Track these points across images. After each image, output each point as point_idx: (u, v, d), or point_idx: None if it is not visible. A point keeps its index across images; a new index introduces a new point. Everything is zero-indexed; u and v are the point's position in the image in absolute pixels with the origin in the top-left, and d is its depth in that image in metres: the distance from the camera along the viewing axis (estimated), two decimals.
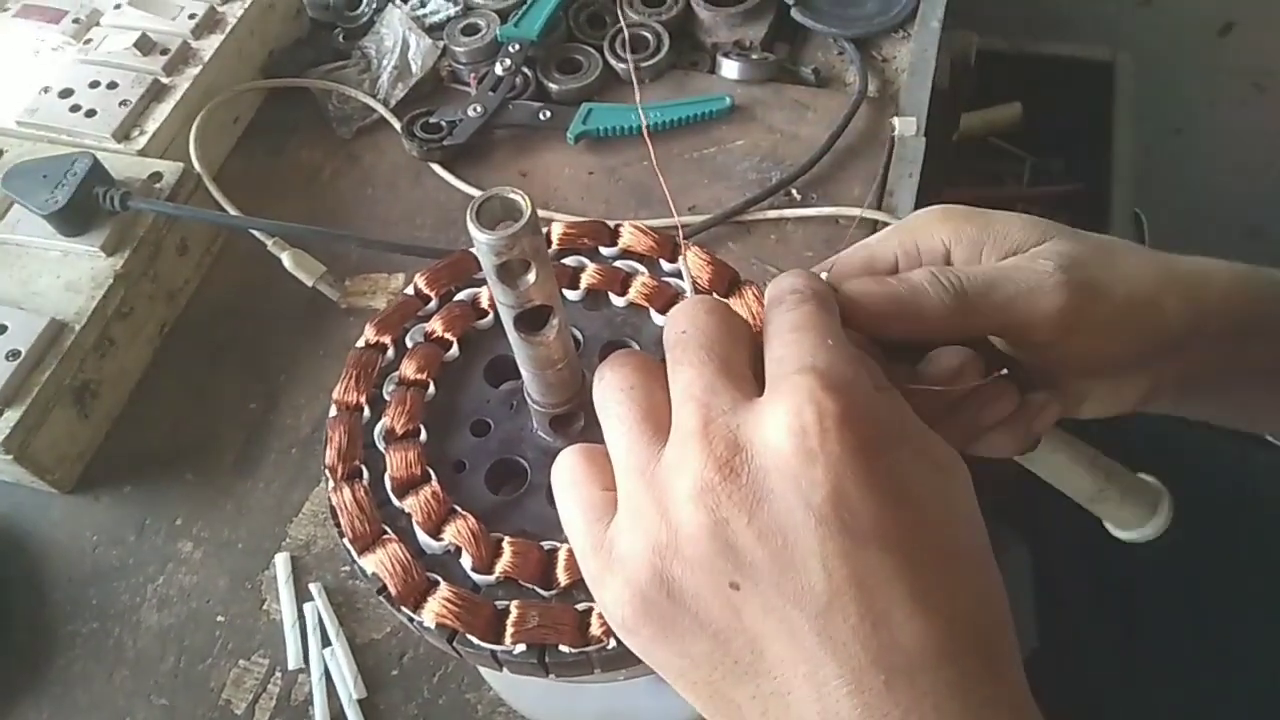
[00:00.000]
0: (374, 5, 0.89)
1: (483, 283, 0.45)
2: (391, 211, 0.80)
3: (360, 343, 0.44)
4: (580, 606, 0.37)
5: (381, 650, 0.61)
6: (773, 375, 0.32)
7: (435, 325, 0.44)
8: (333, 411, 0.42)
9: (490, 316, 0.45)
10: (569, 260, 0.46)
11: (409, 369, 0.43)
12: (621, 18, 0.86)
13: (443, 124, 0.81)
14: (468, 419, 0.42)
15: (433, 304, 0.45)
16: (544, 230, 0.46)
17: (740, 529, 0.29)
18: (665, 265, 0.46)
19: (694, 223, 0.75)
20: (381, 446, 0.41)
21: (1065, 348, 0.40)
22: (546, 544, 0.38)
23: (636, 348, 0.43)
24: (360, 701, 0.59)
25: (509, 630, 0.36)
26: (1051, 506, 0.55)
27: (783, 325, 0.33)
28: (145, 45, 0.78)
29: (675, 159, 0.81)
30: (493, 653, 0.36)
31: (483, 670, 0.59)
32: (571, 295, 0.45)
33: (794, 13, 0.87)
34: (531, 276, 0.32)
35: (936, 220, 0.42)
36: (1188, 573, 0.71)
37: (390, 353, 0.44)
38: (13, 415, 0.62)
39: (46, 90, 0.77)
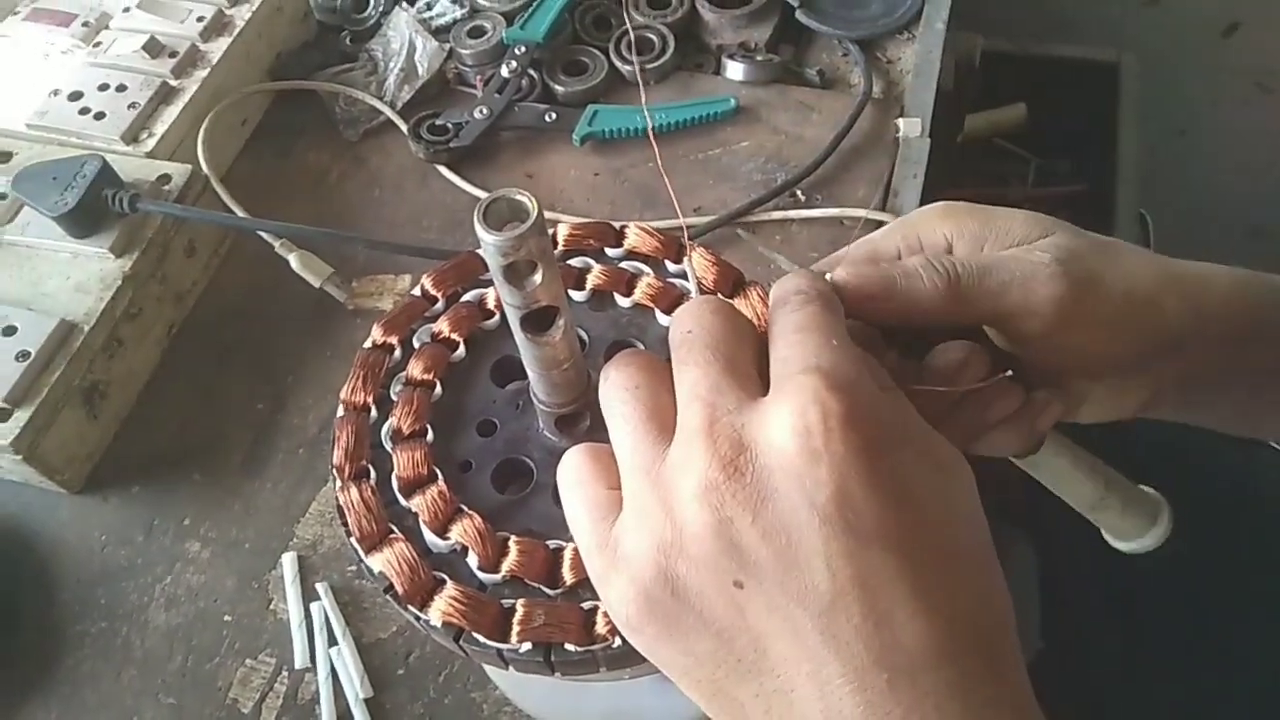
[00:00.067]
0: (381, 8, 0.89)
1: (489, 284, 0.46)
2: (398, 213, 0.81)
3: (367, 343, 0.44)
4: (586, 605, 0.37)
5: (388, 649, 0.61)
6: (777, 375, 0.32)
7: (442, 326, 0.44)
8: (340, 411, 0.42)
9: (497, 317, 0.45)
10: (575, 261, 0.46)
11: (416, 369, 0.43)
12: (627, 20, 0.86)
13: (449, 126, 0.82)
14: (474, 419, 0.42)
15: (439, 305, 0.45)
16: (550, 231, 0.46)
17: (744, 528, 0.29)
18: (670, 266, 0.46)
19: (699, 224, 0.75)
20: (388, 446, 0.41)
21: (1063, 343, 0.40)
22: (552, 543, 0.39)
23: (642, 348, 0.43)
24: (366, 700, 0.59)
25: (515, 629, 0.36)
26: (1055, 506, 0.55)
27: (787, 326, 0.33)
28: (154, 48, 0.79)
29: (680, 160, 0.81)
30: (499, 651, 0.37)
31: (488, 669, 0.59)
32: (577, 296, 0.45)
33: (799, 15, 0.87)
34: (538, 277, 0.33)
35: (939, 215, 0.42)
36: (1191, 574, 0.71)
37: (397, 353, 0.44)
38: (22, 416, 0.62)
39: (56, 93, 0.77)
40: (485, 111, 0.82)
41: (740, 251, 0.75)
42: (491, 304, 0.45)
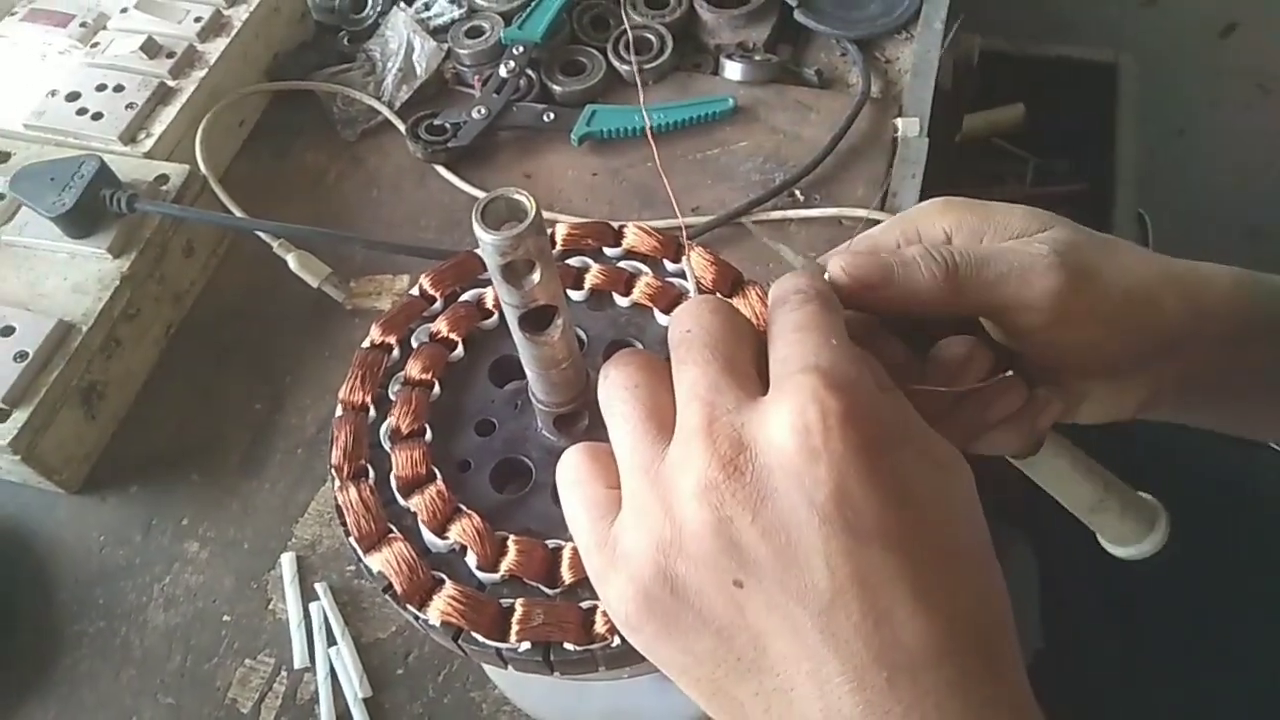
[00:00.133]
0: (378, 8, 0.89)
1: (487, 283, 0.46)
2: (396, 213, 0.81)
3: (366, 343, 0.44)
4: (585, 604, 0.37)
5: (387, 649, 0.61)
6: (776, 374, 0.32)
7: (440, 326, 0.44)
8: (338, 411, 0.42)
9: (495, 317, 0.45)
10: (573, 261, 0.46)
11: (414, 369, 0.43)
12: (625, 20, 0.86)
13: (447, 126, 0.82)
14: (473, 418, 0.42)
15: (438, 304, 0.45)
16: (548, 231, 0.46)
17: (744, 527, 0.29)
18: (669, 265, 0.46)
19: (698, 223, 0.75)
20: (387, 446, 0.41)
21: (1061, 339, 0.40)
22: (551, 542, 0.39)
23: (640, 347, 0.43)
24: (365, 700, 0.59)
25: (514, 628, 0.36)
26: (1054, 507, 0.55)
27: (786, 325, 0.33)
28: (151, 48, 0.79)
29: (678, 160, 0.81)
30: (498, 650, 0.37)
31: (487, 669, 0.59)
32: (576, 295, 0.45)
33: (797, 14, 0.87)
34: (536, 277, 0.33)
35: (938, 210, 0.42)
36: (1190, 575, 0.71)
37: (396, 353, 0.44)
38: (20, 416, 0.62)
39: (54, 93, 0.77)
40: (483, 111, 0.82)
41: (742, 249, 0.75)
42: (490, 303, 0.45)
